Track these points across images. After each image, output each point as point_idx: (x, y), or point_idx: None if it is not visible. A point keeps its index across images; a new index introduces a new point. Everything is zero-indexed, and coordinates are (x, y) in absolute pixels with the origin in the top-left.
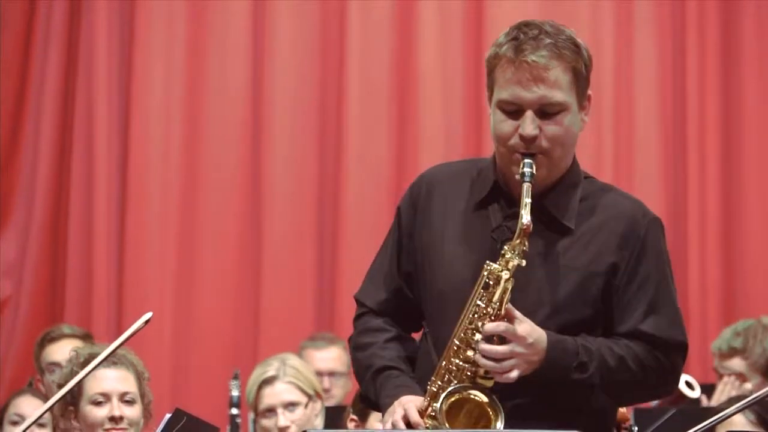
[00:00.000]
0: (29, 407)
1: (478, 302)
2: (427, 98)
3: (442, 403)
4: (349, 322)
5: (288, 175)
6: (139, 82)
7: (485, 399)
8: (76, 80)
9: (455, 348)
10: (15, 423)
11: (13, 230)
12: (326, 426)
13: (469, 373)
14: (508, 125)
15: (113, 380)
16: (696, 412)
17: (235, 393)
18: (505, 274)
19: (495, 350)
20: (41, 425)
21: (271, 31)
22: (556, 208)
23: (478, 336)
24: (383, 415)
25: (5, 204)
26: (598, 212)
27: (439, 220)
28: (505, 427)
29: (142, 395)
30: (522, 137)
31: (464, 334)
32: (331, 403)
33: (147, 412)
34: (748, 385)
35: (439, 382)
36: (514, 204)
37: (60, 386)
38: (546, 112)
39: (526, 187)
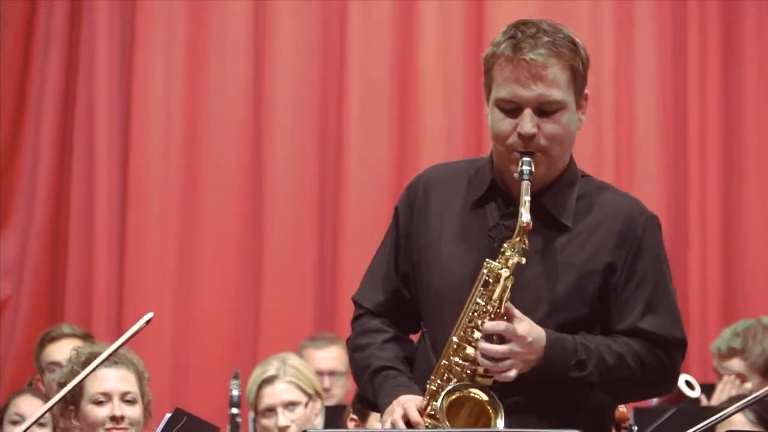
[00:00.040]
0: (29, 407)
1: (478, 300)
2: (428, 98)
3: (442, 401)
4: (350, 322)
5: (288, 175)
6: (139, 82)
7: (485, 397)
8: (76, 80)
9: (455, 346)
10: (15, 423)
11: (13, 230)
12: (326, 425)
13: (468, 372)
14: (506, 124)
15: (114, 380)
16: (696, 411)
17: (235, 392)
18: (505, 272)
19: (494, 349)
20: (41, 425)
21: (271, 31)
22: (554, 207)
23: (477, 334)
24: (381, 415)
25: (6, 204)
26: (595, 211)
27: (436, 220)
28: (505, 426)
29: (143, 395)
30: (521, 135)
31: (464, 332)
32: (331, 402)
33: (147, 412)
34: (749, 385)
35: (439, 381)
36: (512, 203)
37: (60, 385)
38: (544, 110)
39: (525, 185)
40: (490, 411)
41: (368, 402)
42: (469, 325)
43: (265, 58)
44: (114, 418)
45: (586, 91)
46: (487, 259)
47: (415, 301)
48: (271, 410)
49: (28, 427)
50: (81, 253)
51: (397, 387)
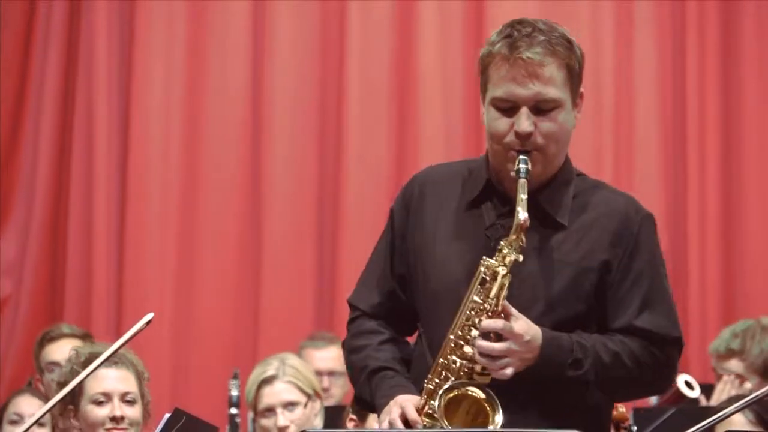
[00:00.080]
0: (29, 407)
1: (475, 298)
2: (427, 98)
3: (439, 399)
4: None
5: (288, 175)
6: (139, 82)
7: (483, 395)
8: (76, 80)
9: (452, 345)
10: (14, 422)
11: (13, 229)
12: (325, 426)
13: (466, 370)
14: (502, 123)
15: (114, 380)
16: (695, 411)
17: (234, 393)
18: (502, 270)
19: (492, 347)
20: (41, 424)
21: (271, 31)
22: (550, 205)
23: (474, 332)
24: (379, 416)
25: (5, 203)
26: (590, 209)
27: (432, 220)
28: (502, 424)
29: (142, 395)
30: (517, 134)
31: (461, 330)
32: (330, 402)
33: (146, 412)
34: (748, 385)
35: (436, 380)
36: (508, 202)
37: (60, 385)
38: (541, 108)
39: (522, 183)
40: (488, 409)
41: (365, 403)
42: (467, 323)
43: (264, 58)
44: (114, 419)
45: (582, 90)
46: (484, 257)
47: (410, 303)
48: (271, 410)
49: (29, 427)
50: (80, 252)
51: (394, 387)
